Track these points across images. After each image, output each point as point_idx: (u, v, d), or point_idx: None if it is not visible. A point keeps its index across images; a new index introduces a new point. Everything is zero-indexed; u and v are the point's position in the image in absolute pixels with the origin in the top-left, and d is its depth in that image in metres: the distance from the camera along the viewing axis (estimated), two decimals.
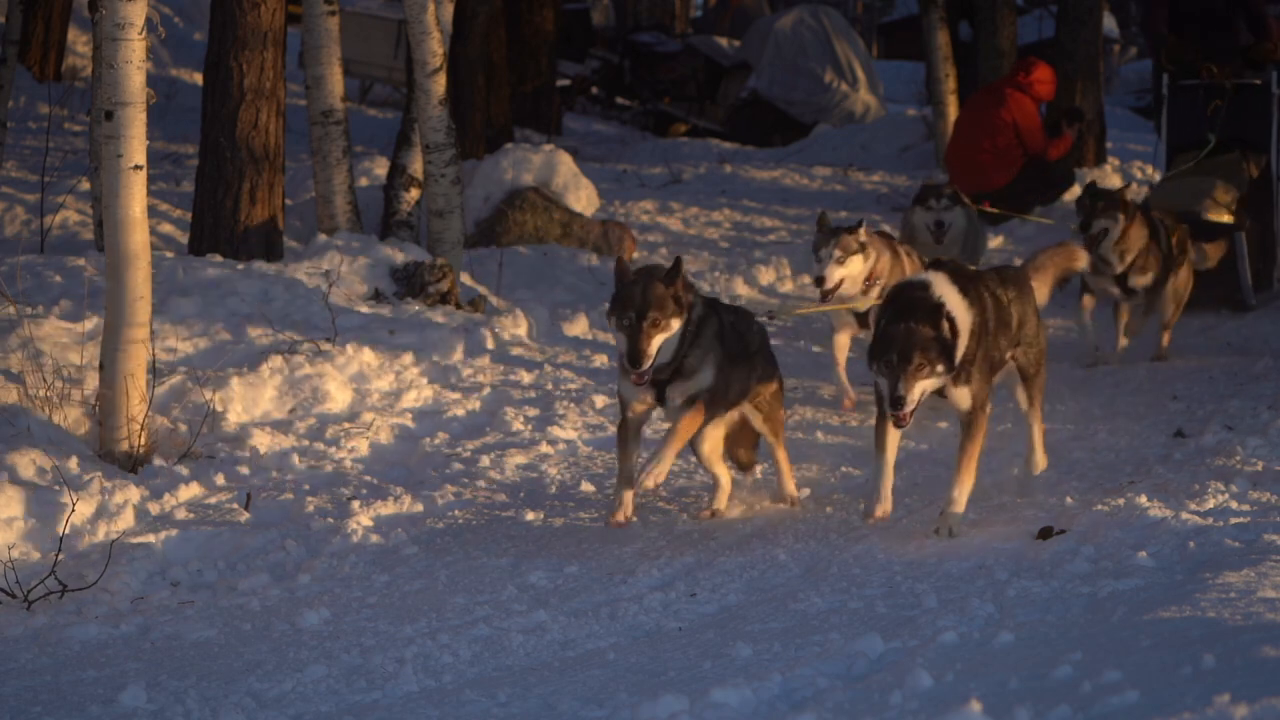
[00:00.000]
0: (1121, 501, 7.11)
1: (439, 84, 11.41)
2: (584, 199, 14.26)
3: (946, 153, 17.02)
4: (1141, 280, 11.09)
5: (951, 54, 18.40)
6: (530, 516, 7.56)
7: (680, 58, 24.75)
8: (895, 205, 17.18)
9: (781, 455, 7.67)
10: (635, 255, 13.90)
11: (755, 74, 24.38)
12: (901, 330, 6.60)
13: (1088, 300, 11.23)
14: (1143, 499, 7.04)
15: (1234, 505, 7.01)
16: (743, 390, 7.36)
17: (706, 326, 7.10)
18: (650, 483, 7.04)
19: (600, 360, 10.54)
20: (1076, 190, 16.37)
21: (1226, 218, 12.74)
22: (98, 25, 8.00)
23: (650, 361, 6.88)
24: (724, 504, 7.52)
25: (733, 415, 7.46)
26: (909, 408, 6.62)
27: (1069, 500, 7.49)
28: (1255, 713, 3.81)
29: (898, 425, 6.71)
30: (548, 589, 6.54)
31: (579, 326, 11.36)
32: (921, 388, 6.62)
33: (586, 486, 8.02)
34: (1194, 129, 13.34)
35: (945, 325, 6.64)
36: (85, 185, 11.81)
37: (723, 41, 25.66)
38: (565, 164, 14.19)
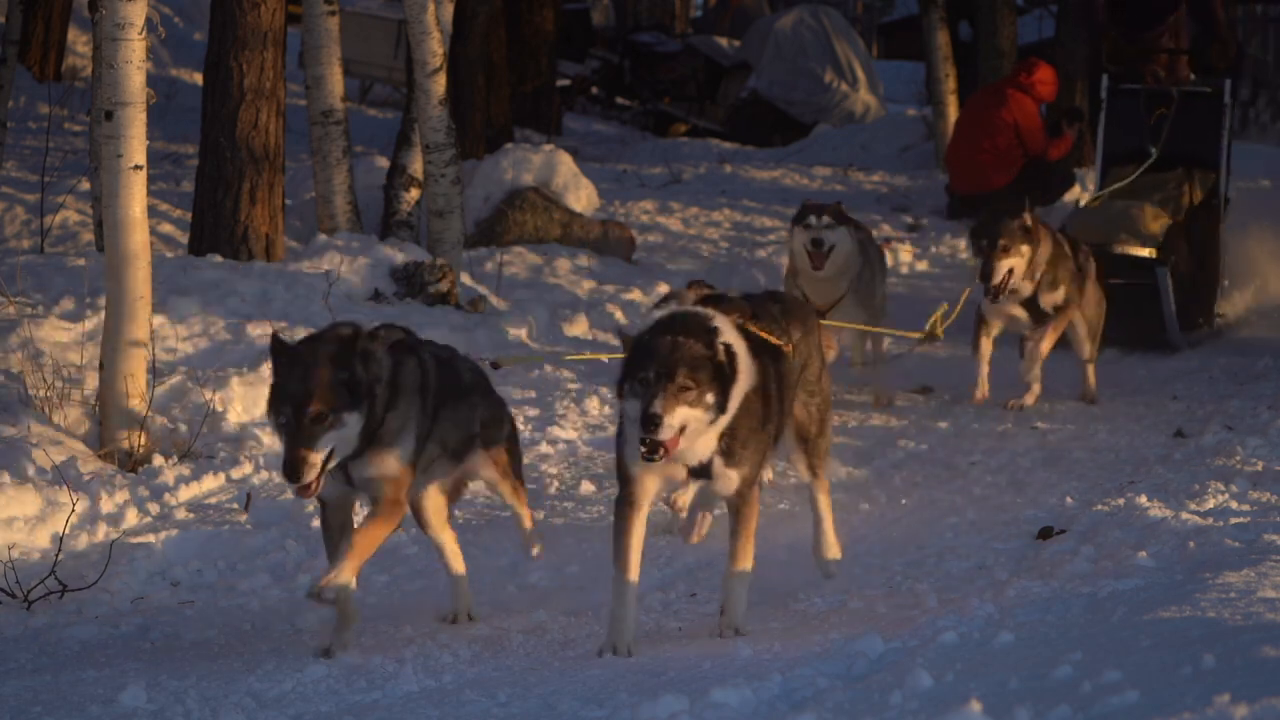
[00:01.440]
0: (1121, 501, 7.11)
1: (439, 84, 11.40)
2: (584, 199, 14.25)
3: (947, 153, 17.02)
4: (1053, 298, 9.53)
5: (951, 54, 18.41)
6: None
7: (680, 58, 24.73)
8: (895, 205, 17.18)
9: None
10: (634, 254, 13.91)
11: (755, 74, 24.37)
12: (667, 342, 5.41)
13: (985, 345, 9.67)
14: (1143, 499, 7.04)
15: (1234, 505, 7.01)
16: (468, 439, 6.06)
17: (401, 397, 5.64)
18: (339, 579, 5.61)
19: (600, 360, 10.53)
20: (1077, 190, 16.39)
21: (1144, 251, 11.16)
22: (98, 25, 8.00)
23: (317, 471, 5.39)
24: (460, 567, 6.19)
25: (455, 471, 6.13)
26: (665, 433, 5.32)
27: (1069, 500, 7.49)
28: (1255, 713, 3.80)
29: (651, 454, 5.36)
30: (548, 589, 6.53)
31: (579, 327, 11.35)
32: (684, 415, 5.37)
33: (586, 486, 8.01)
34: (1133, 139, 11.89)
35: (721, 350, 5.44)
36: (85, 185, 11.79)
37: (723, 41, 25.65)
38: (565, 164, 14.18)
